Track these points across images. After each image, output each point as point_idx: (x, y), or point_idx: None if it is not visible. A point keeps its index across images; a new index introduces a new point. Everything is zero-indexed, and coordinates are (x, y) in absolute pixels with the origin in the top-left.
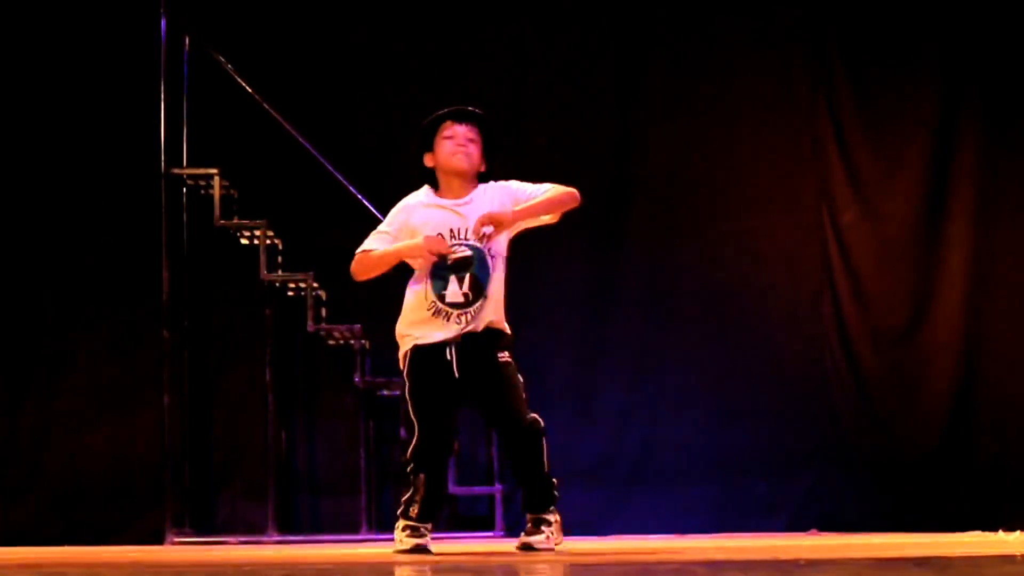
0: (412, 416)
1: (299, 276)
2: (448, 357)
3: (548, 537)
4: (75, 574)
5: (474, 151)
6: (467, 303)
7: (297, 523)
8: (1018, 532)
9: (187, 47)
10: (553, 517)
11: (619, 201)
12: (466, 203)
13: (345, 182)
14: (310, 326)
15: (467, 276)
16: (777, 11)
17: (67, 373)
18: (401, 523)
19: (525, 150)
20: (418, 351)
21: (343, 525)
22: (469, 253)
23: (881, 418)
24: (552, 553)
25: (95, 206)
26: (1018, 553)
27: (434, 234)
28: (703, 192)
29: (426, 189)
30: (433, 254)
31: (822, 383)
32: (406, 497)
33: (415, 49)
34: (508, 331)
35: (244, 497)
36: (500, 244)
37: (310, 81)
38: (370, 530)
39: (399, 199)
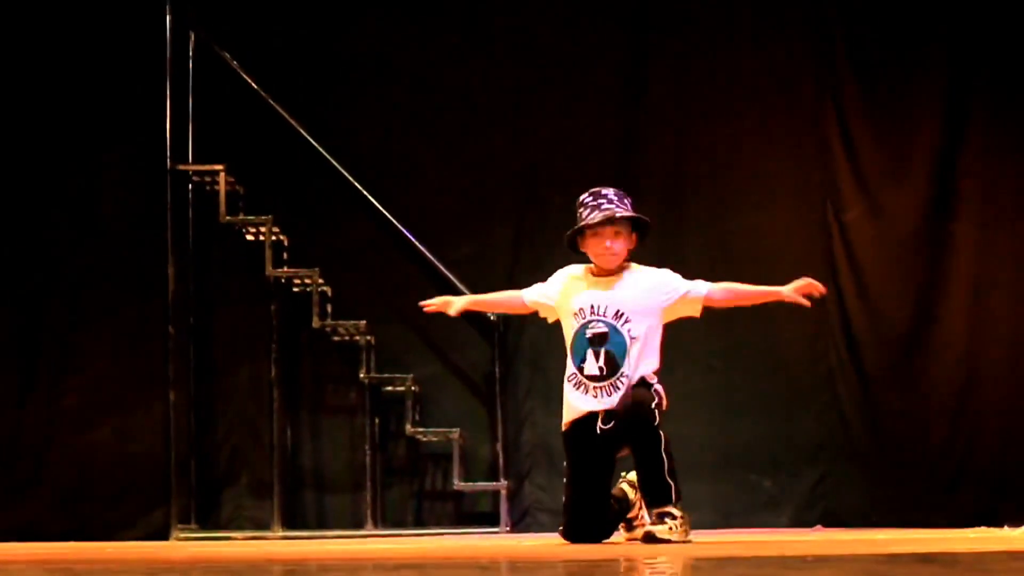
0: (565, 489)
1: (304, 272)
2: (598, 430)
3: (672, 529)
4: (81, 570)
5: (620, 247)
6: (602, 377)
7: (302, 519)
8: (1023, 528)
9: (192, 43)
10: (678, 511)
11: None
12: (613, 282)
13: (351, 178)
14: (315, 322)
15: (602, 351)
16: (783, 10)
17: (73, 370)
18: None
19: (530, 147)
20: (572, 425)
21: (348, 521)
22: (605, 330)
23: (885, 415)
24: (678, 545)
25: (100, 202)
26: (1023, 549)
27: (577, 307)
28: (708, 189)
29: (585, 266)
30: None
31: (827, 380)
32: None
33: (421, 45)
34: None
35: (249, 493)
36: (640, 327)
37: (315, 77)
38: (375, 526)
39: (405, 196)
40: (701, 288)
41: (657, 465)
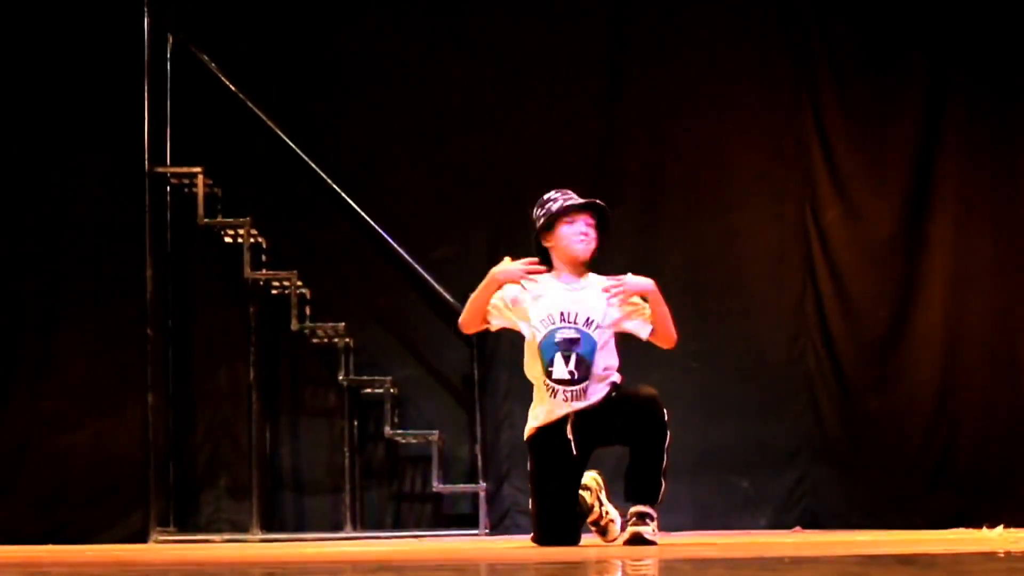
0: (531, 496)
1: (283, 275)
2: (568, 435)
3: (654, 531)
4: (59, 573)
5: (593, 239)
6: (574, 381)
7: (281, 521)
8: (1001, 528)
9: (170, 45)
10: (655, 513)
11: (603, 199)
12: (580, 288)
13: (329, 180)
14: (294, 325)
15: (573, 355)
16: (760, 10)
17: (51, 372)
18: None
19: (509, 149)
20: (538, 432)
21: (327, 523)
22: (576, 335)
23: (863, 416)
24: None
25: (79, 205)
26: (1001, 550)
27: (544, 313)
28: (686, 191)
29: (548, 274)
30: (509, 276)
31: (805, 381)
32: None
33: (399, 48)
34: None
35: (228, 495)
36: (605, 333)
37: (294, 80)
38: (354, 528)
39: (384, 197)
40: (644, 332)
41: (656, 462)
